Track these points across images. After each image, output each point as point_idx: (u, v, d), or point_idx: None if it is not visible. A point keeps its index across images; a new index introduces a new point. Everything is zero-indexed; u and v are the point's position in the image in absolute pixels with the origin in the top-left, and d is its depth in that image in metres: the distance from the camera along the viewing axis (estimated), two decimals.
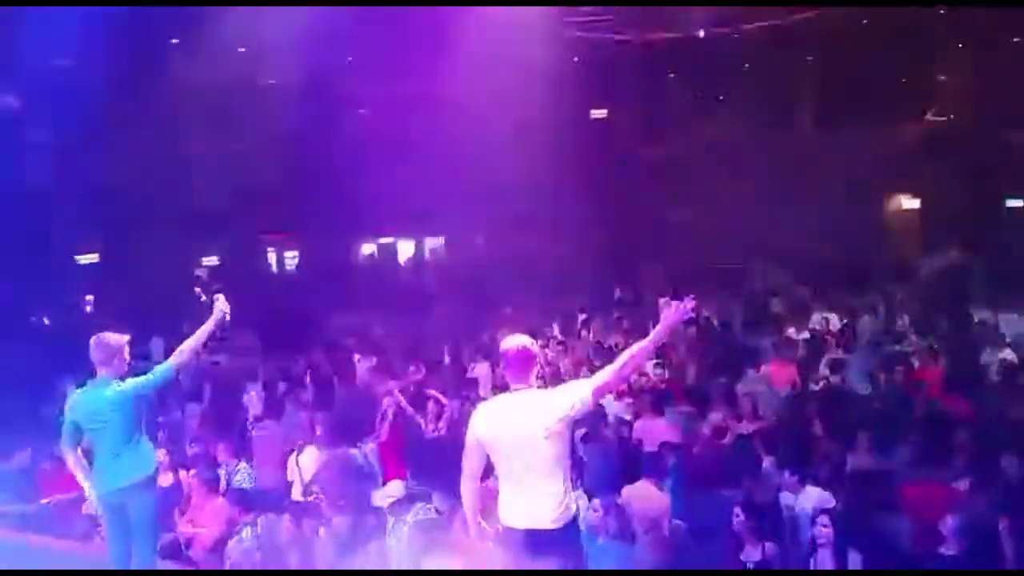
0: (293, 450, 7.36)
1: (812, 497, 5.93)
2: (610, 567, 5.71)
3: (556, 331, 11.17)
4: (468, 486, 3.98)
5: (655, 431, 7.33)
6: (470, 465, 3.97)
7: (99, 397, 4.65)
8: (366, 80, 17.76)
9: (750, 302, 13.56)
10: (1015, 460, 6.17)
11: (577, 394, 3.81)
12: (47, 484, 7.08)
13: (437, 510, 5.57)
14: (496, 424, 3.87)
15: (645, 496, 6.03)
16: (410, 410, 8.13)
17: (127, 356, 4.77)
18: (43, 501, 6.99)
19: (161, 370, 4.70)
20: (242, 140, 16.54)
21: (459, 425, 7.56)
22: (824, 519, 5.26)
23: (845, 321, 11.53)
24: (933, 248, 15.78)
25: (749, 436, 7.30)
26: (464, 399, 8.37)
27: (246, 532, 6.11)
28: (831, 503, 5.80)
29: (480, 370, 9.71)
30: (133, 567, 4.78)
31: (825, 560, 5.19)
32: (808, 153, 18.04)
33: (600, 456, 7.23)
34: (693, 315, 3.93)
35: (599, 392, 3.89)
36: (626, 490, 6.18)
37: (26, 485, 7.13)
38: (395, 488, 6.21)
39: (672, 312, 3.84)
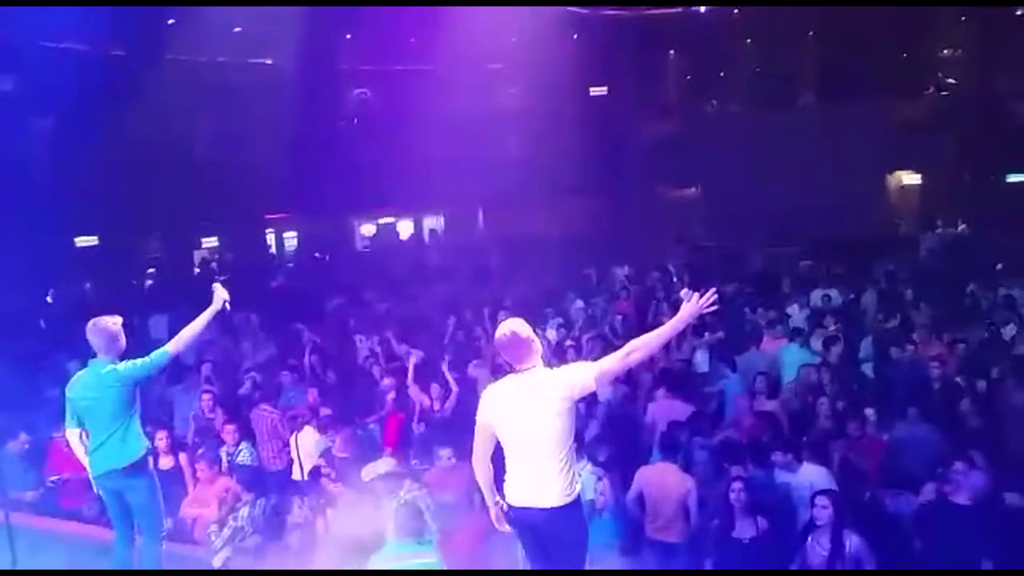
0: (293, 430, 7.37)
1: (810, 475, 5.90)
2: (612, 540, 5.77)
3: (551, 320, 10.95)
4: (480, 466, 4.01)
5: (671, 412, 7.22)
6: (479, 446, 4.00)
7: (92, 377, 4.64)
8: (365, 58, 17.64)
9: (751, 279, 13.51)
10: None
11: (580, 377, 3.80)
12: (58, 460, 7.03)
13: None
14: (501, 405, 3.88)
15: (667, 476, 5.98)
16: (415, 390, 8.13)
17: (122, 337, 4.70)
18: (52, 478, 7.00)
19: (156, 355, 4.63)
20: (241, 119, 16.45)
21: (462, 405, 7.63)
22: (823, 500, 5.24)
23: (852, 295, 11.52)
24: (935, 223, 15.71)
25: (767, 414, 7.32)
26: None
27: (244, 511, 6.15)
28: (829, 482, 5.79)
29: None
30: (139, 551, 4.78)
31: (823, 541, 5.19)
32: (810, 128, 17.93)
33: (608, 433, 7.24)
34: (716, 308, 3.88)
35: (602, 377, 3.86)
36: (645, 471, 6.16)
37: (26, 470, 7.12)
38: (382, 464, 6.22)
39: (692, 305, 3.81)
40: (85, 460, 4.74)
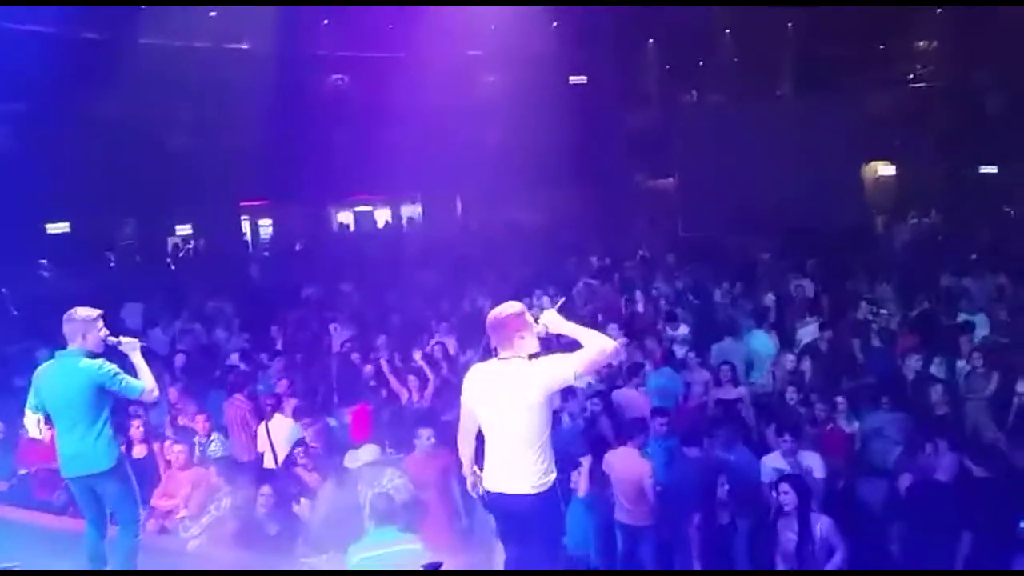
0: (262, 419, 7.29)
1: (809, 461, 5.99)
2: (585, 525, 5.82)
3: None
4: (464, 442, 4.08)
5: (635, 400, 7.35)
6: (464, 426, 4.06)
7: (60, 369, 4.48)
8: (342, 45, 17.49)
9: (728, 270, 13.57)
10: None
11: (559, 371, 3.76)
12: (27, 453, 6.94)
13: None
14: (482, 391, 3.89)
15: (627, 460, 6.11)
16: (394, 381, 8.09)
17: (100, 331, 4.53)
18: (21, 472, 6.90)
19: (132, 385, 4.48)
20: (216, 107, 16.25)
21: (438, 396, 7.63)
22: (785, 487, 5.32)
23: (823, 286, 11.62)
24: (908, 214, 15.90)
25: (731, 402, 7.41)
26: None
27: (225, 502, 6.11)
28: (823, 471, 5.92)
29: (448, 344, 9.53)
30: (112, 541, 4.70)
31: (792, 526, 5.27)
32: (787, 119, 18.03)
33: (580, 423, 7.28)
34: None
35: (582, 368, 3.83)
36: (609, 455, 6.25)
37: (2, 459, 7.03)
38: (367, 452, 6.19)
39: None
40: (36, 433, 4.59)
